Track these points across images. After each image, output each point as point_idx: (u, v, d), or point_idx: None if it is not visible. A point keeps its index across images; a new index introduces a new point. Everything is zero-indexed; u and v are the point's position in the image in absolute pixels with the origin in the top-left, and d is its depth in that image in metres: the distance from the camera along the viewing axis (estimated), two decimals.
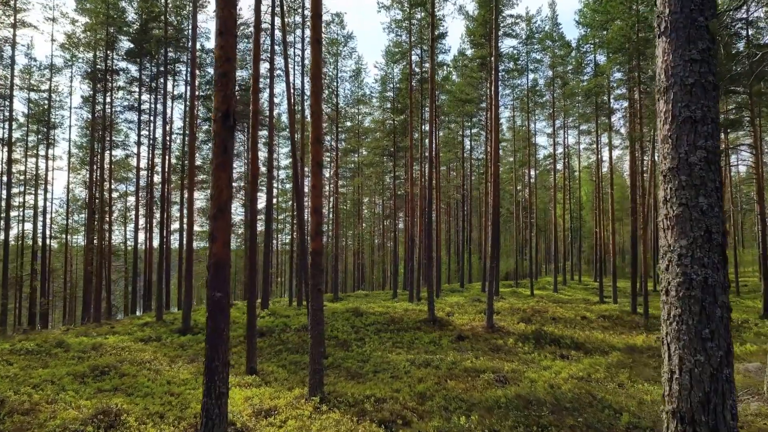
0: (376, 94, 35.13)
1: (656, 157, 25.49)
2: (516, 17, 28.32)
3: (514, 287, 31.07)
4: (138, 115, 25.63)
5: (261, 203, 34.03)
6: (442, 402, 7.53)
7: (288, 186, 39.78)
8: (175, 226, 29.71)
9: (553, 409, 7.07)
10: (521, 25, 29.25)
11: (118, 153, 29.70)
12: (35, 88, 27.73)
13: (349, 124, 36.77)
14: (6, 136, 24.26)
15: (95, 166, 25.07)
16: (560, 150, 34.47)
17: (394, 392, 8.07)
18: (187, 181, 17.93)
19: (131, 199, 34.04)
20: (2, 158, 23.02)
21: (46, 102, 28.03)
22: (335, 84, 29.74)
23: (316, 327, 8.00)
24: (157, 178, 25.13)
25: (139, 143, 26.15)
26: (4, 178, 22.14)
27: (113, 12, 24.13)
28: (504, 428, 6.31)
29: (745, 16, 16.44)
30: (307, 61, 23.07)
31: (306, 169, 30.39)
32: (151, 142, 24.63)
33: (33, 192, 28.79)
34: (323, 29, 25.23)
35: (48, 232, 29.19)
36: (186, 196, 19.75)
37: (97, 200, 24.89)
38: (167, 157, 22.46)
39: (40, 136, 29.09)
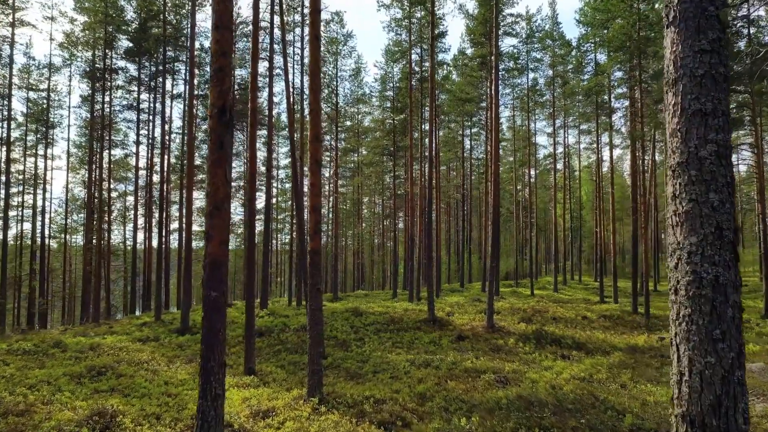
0: (376, 93, 35.03)
1: (656, 156, 25.42)
2: (516, 16, 28.35)
3: (514, 287, 30.97)
4: (137, 114, 25.59)
5: (260, 203, 34.02)
6: (442, 403, 7.44)
7: (287, 185, 39.68)
8: (175, 225, 29.67)
9: (555, 410, 6.97)
10: (521, 24, 29.25)
11: (117, 152, 29.61)
12: (34, 87, 27.68)
13: (348, 123, 36.69)
14: (5, 135, 24.18)
15: (94, 166, 24.96)
16: (560, 149, 34.41)
17: (394, 393, 7.98)
18: (186, 181, 17.84)
19: (130, 199, 34.05)
20: (1, 158, 22.90)
21: (45, 101, 27.96)
22: (335, 83, 29.63)
23: (314, 327, 7.90)
24: (156, 178, 25.09)
25: (138, 143, 26.10)
26: (3, 178, 22.02)
27: (112, 11, 24.03)
28: (505, 430, 6.21)
29: (746, 14, 16.35)
30: (306, 60, 22.96)
31: (305, 168, 30.30)
32: (150, 141, 24.56)
33: (32, 192, 28.74)
34: (323, 28, 25.19)
35: (47, 232, 29.12)
36: (185, 195, 19.65)
37: (96, 200, 24.79)
38: (166, 156, 22.41)
39: (38, 136, 29.01)
